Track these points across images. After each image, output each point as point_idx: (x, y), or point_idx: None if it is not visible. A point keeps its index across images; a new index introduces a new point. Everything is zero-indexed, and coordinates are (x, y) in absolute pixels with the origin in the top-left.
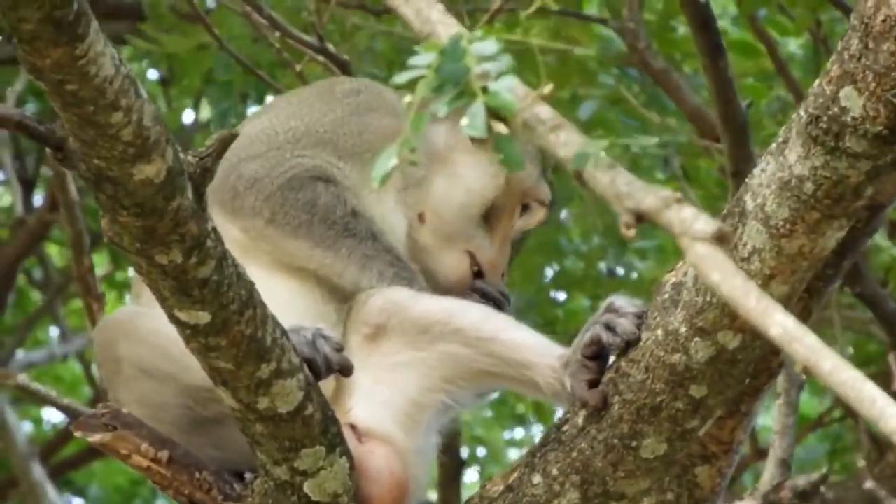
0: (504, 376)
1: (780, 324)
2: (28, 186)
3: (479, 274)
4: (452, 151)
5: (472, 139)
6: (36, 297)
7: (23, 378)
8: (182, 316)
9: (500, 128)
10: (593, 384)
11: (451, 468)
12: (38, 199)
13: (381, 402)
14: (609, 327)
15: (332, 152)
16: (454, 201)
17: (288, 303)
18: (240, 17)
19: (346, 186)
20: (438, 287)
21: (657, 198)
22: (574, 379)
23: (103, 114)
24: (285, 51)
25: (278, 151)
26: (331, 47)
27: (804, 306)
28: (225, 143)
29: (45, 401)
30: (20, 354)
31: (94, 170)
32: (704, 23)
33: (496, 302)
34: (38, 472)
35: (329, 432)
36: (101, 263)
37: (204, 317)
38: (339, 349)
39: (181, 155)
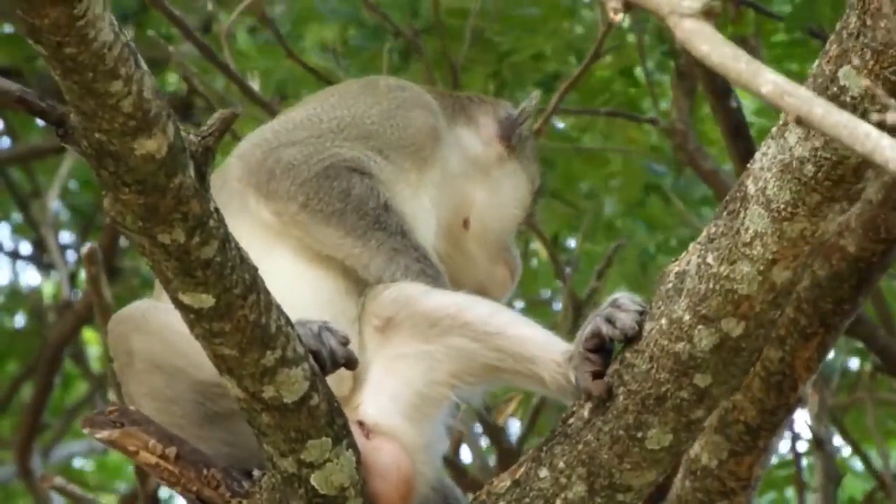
0: (510, 371)
1: (770, 81)
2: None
3: None
4: (489, 160)
5: (507, 147)
6: (83, 388)
7: (59, 480)
8: (186, 299)
9: None
10: (597, 376)
11: None
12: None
13: (389, 396)
14: (609, 321)
15: (374, 146)
16: (502, 214)
17: (311, 292)
18: None
19: (380, 180)
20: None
21: None
22: (578, 371)
23: (103, 81)
24: None
25: (319, 140)
26: None
27: (820, 341)
28: (226, 123)
29: (81, 502)
30: (61, 448)
31: (96, 145)
32: (737, 129)
33: None
34: None
35: (335, 424)
36: None
37: (208, 300)
38: (345, 342)
39: (183, 133)
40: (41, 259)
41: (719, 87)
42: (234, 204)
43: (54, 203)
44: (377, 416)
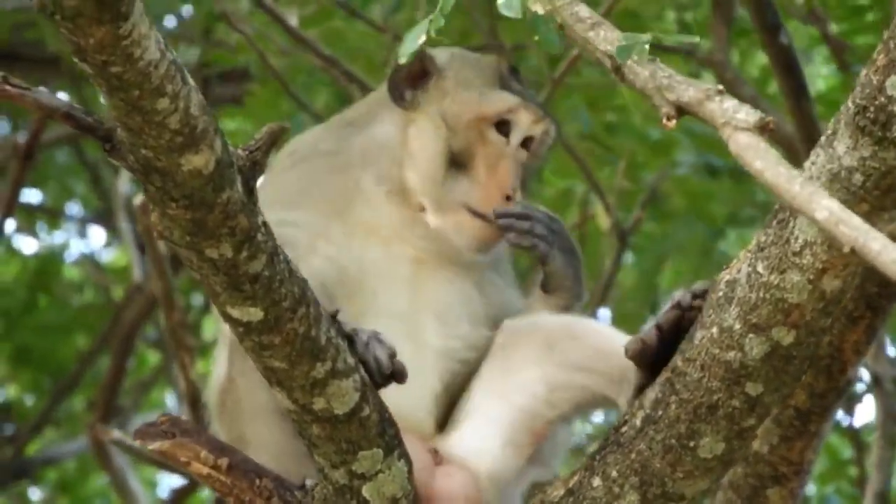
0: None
1: (825, 207)
2: (143, 250)
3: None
4: (401, 131)
5: (396, 102)
6: (154, 359)
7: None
8: (234, 313)
9: (538, 8)
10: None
11: None
12: None
13: (478, 433)
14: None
15: (283, 208)
16: (419, 175)
17: None
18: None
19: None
20: (469, 252)
21: (699, 90)
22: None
23: (149, 99)
24: None
25: None
26: None
27: (868, 324)
28: (274, 136)
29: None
30: (138, 418)
31: (142, 161)
32: (788, 65)
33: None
34: None
35: (386, 434)
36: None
37: (256, 313)
38: (392, 354)
39: (230, 147)
40: (109, 225)
41: (769, 22)
42: None
43: (125, 185)
44: (454, 447)
